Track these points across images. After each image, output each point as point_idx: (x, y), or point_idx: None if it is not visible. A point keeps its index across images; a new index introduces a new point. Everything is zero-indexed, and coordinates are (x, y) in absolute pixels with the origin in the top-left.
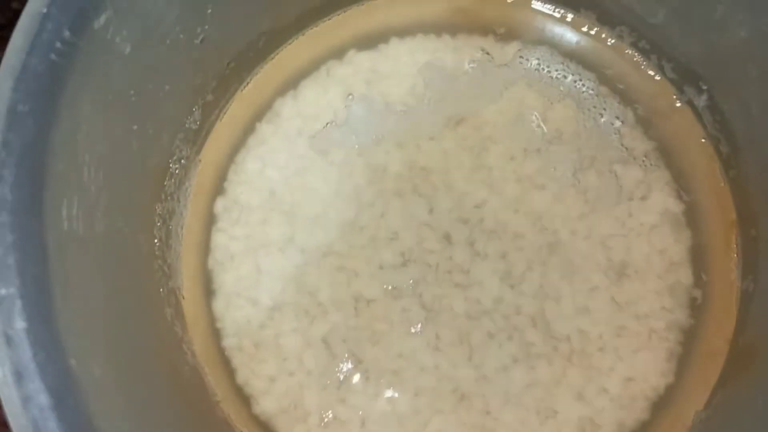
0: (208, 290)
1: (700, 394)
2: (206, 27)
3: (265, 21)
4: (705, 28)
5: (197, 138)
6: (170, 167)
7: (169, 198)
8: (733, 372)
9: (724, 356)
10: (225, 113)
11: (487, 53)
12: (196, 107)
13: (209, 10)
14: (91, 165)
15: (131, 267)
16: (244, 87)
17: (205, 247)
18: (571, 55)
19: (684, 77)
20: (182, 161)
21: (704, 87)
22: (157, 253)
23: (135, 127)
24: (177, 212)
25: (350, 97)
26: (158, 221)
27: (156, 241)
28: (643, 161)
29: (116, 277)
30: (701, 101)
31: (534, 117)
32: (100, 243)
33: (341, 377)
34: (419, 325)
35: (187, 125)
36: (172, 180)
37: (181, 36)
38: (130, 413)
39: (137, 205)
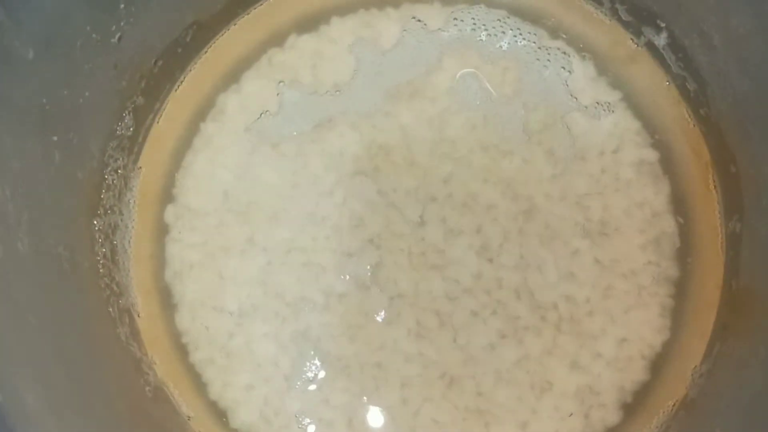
0: (168, 304)
1: (698, 347)
2: (122, 24)
3: (189, 13)
4: None
5: (133, 145)
6: (106, 178)
7: (109, 211)
8: (730, 321)
9: (716, 305)
10: (161, 116)
11: (419, 20)
12: (126, 112)
13: (122, 5)
14: (5, 183)
15: (70, 288)
16: (178, 86)
17: (161, 259)
18: (509, 10)
19: (640, 18)
20: (119, 171)
21: (662, 25)
22: (101, 271)
23: (55, 138)
24: (121, 226)
25: (282, 84)
26: (99, 237)
27: (99, 258)
28: (606, 112)
29: (52, 300)
30: (661, 40)
31: (479, 80)
32: (27, 265)
33: (322, 377)
34: (397, 314)
35: (119, 132)
36: (110, 192)
37: (94, 36)
38: None
39: (69, 221)
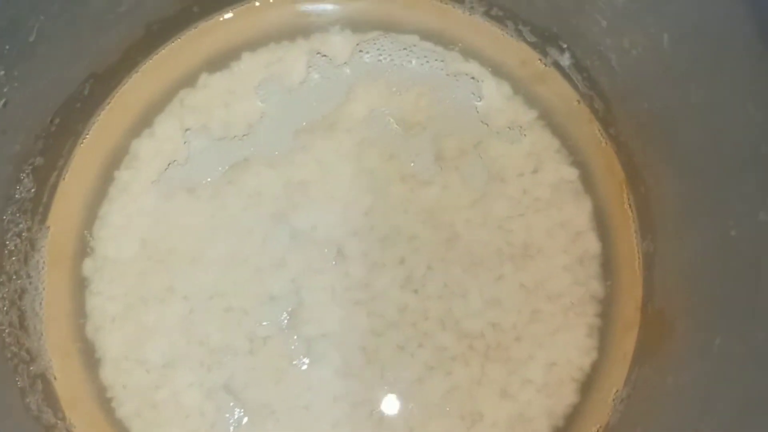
0: (91, 361)
1: (621, 371)
2: (5, 90)
3: (81, 68)
4: None
5: (37, 205)
6: (6, 244)
7: (14, 277)
8: (647, 345)
9: (637, 327)
10: (67, 172)
11: (324, 55)
12: (23, 174)
13: (1, 72)
14: None
15: None
16: (83, 140)
17: (79, 316)
18: (415, 38)
19: (543, 39)
20: (23, 234)
21: (564, 45)
22: (7, 340)
23: None
24: (29, 290)
25: (189, 131)
26: (3, 306)
27: (4, 327)
28: (519, 134)
29: None
30: (565, 60)
31: (385, 112)
32: None
33: (249, 425)
34: (323, 353)
35: (17, 196)
36: (13, 258)
37: None
38: None
39: None
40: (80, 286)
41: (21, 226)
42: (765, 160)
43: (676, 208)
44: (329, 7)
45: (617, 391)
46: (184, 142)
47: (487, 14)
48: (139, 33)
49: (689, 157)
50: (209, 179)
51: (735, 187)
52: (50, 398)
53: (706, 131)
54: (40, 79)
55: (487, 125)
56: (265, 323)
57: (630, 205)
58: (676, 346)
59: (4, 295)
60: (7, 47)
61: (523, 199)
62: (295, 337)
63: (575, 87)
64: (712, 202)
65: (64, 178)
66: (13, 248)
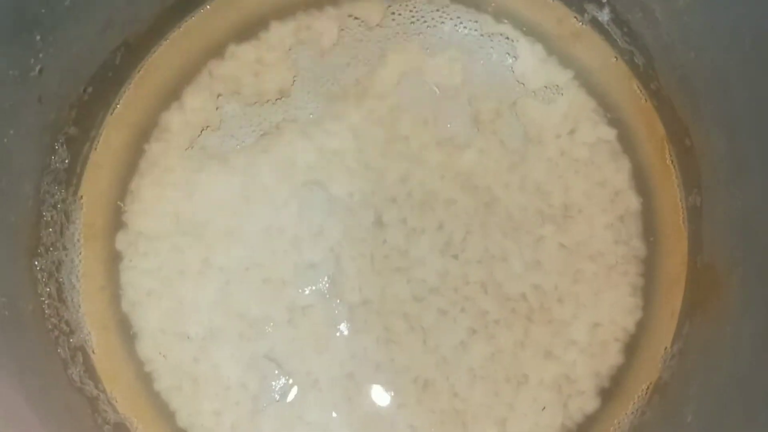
0: (127, 335)
1: (669, 327)
2: (41, 56)
3: (114, 35)
4: None
5: (71, 176)
6: (43, 215)
7: (51, 249)
8: (697, 299)
9: (683, 282)
10: (98, 142)
11: (356, 18)
12: (58, 144)
13: (37, 37)
14: None
15: (11, 335)
16: (113, 110)
17: (114, 290)
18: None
19: None
20: (58, 206)
21: (604, 0)
22: (47, 312)
23: None
24: (66, 261)
25: (221, 97)
26: (42, 277)
27: (44, 299)
28: (556, 94)
29: None
30: (604, 16)
31: (424, 75)
32: None
33: (293, 395)
34: (364, 321)
35: (52, 166)
36: (50, 229)
37: (11, 72)
38: None
39: (5, 267)
40: (115, 260)
41: (56, 197)
42: None
43: (724, 159)
44: None
45: (666, 348)
46: (216, 108)
47: None
48: (170, 0)
49: (738, 109)
50: (242, 147)
51: None
52: (91, 371)
53: (757, 83)
54: (74, 45)
55: (523, 85)
56: (304, 293)
57: (672, 161)
58: (732, 298)
59: (43, 267)
60: (43, 11)
61: (560, 161)
62: (336, 305)
63: (613, 43)
64: (763, 152)
65: (95, 149)
66: (49, 219)
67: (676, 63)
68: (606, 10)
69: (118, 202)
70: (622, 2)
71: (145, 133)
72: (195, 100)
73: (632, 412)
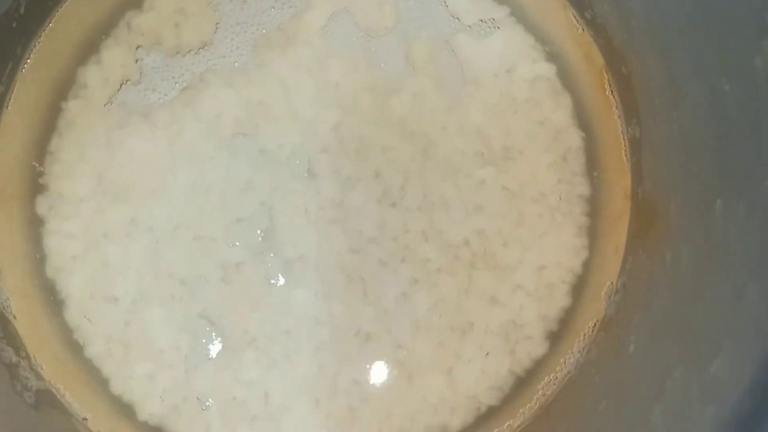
0: (52, 302)
1: (614, 263)
2: None
3: None
4: None
5: None
6: None
7: None
8: (640, 232)
9: (627, 216)
10: (9, 101)
11: None
12: None
13: None
14: None
15: None
16: (23, 66)
17: (36, 256)
18: None
19: None
20: None
21: None
22: None
23: None
24: None
25: (140, 49)
26: None
27: None
28: (492, 28)
29: None
30: None
31: (352, 16)
32: None
33: (228, 355)
34: (301, 275)
35: None
36: None
37: None
38: None
39: None
40: (35, 225)
41: None
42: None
43: (662, 80)
44: None
45: (611, 283)
46: (136, 61)
47: None
48: None
49: (672, 31)
50: (164, 101)
51: (726, 36)
52: (10, 338)
53: (691, 4)
54: None
55: (458, 20)
56: (236, 250)
57: (612, 92)
58: (671, 225)
59: None
60: None
61: (499, 101)
62: (270, 261)
63: None
64: (701, 61)
65: (7, 107)
66: None
67: None
68: None
69: (33, 163)
70: None
71: (61, 89)
72: (112, 54)
73: (578, 351)
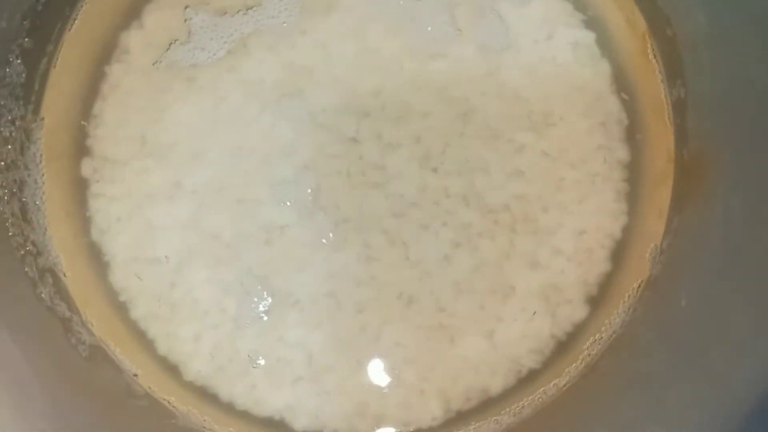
0: (98, 263)
1: (657, 226)
2: None
3: None
4: None
5: (29, 93)
6: (1, 131)
7: (12, 166)
8: (686, 192)
9: (671, 179)
10: (57, 60)
11: None
12: (12, 56)
13: None
14: None
15: None
16: (71, 25)
17: (82, 217)
18: None
19: None
20: (16, 122)
21: None
22: (11, 231)
23: None
24: (29, 182)
25: (189, 9)
26: (3, 194)
27: (7, 216)
28: None
29: None
30: None
31: None
32: None
33: (273, 315)
34: (344, 238)
35: (8, 79)
36: (10, 145)
37: None
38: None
39: None
40: (81, 186)
41: (14, 113)
42: None
43: (709, 36)
44: None
45: (655, 245)
46: (185, 21)
47: None
48: None
49: None
50: (208, 61)
51: None
52: (62, 293)
53: None
54: None
55: None
56: (280, 212)
57: (655, 56)
58: (722, 177)
59: (4, 183)
60: None
61: (539, 67)
62: (313, 224)
63: None
64: (744, 22)
65: (54, 67)
66: (8, 135)
67: None
68: None
69: (82, 122)
70: None
71: (104, 53)
72: (156, 18)
73: (623, 312)
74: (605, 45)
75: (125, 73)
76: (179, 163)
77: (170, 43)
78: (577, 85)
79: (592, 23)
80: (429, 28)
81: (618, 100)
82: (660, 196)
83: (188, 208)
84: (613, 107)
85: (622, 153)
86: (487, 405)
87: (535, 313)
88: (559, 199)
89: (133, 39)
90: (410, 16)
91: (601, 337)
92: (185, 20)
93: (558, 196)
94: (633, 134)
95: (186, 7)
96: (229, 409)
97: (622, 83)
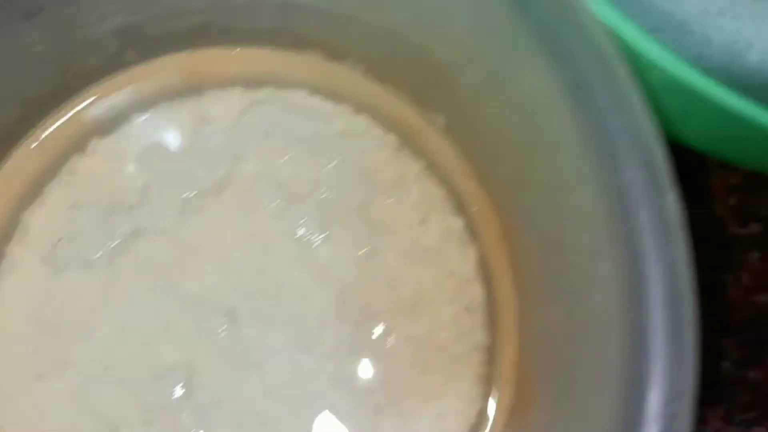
0: None
1: (500, 420)
2: None
3: None
4: None
5: None
6: None
7: None
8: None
9: (513, 382)
10: None
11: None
12: None
13: None
14: None
15: None
16: None
17: None
18: (304, 93)
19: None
20: None
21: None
22: None
23: None
24: None
25: (73, 207)
26: None
27: None
28: (410, 182)
29: None
30: (440, 120)
31: (272, 175)
32: None
33: None
34: (216, 421)
35: None
36: None
37: None
38: None
39: None
40: None
41: None
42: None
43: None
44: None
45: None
46: (71, 219)
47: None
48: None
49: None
50: (99, 255)
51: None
52: None
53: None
54: None
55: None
56: (158, 393)
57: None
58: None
59: None
60: None
61: (411, 251)
62: (189, 405)
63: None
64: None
65: None
66: None
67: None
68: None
69: None
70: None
71: (5, 232)
72: (55, 199)
73: None
74: (473, 233)
75: (25, 253)
76: (68, 340)
77: (58, 240)
78: (447, 270)
79: (461, 210)
80: (301, 223)
81: (481, 288)
82: (507, 390)
83: (73, 386)
84: (478, 294)
85: (482, 338)
86: None
87: None
88: (424, 382)
89: (35, 219)
90: (289, 209)
91: None
92: (71, 219)
93: (423, 379)
94: (491, 323)
95: (70, 207)
96: None
97: (485, 272)
